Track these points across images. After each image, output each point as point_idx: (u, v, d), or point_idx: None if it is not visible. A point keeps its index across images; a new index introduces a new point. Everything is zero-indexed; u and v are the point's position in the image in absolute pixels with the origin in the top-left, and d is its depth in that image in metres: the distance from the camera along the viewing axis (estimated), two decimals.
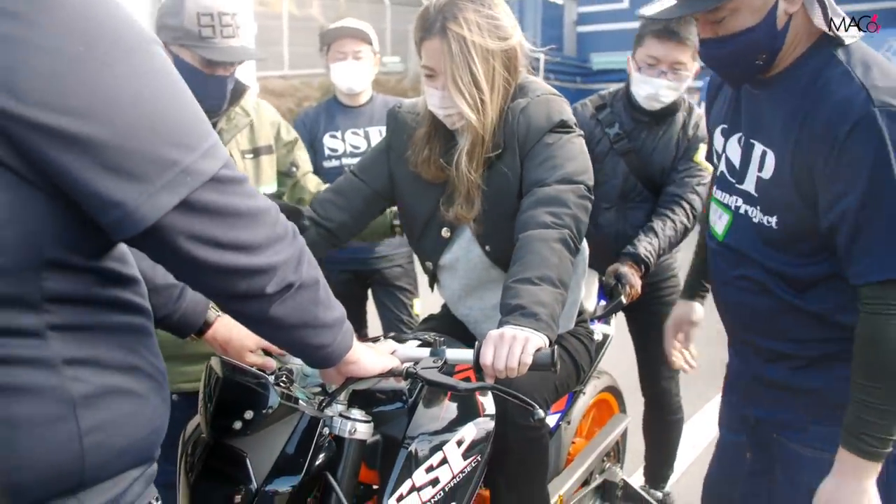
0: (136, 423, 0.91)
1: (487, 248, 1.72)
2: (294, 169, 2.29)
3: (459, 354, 1.37)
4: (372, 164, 1.83)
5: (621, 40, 17.47)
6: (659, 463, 2.88)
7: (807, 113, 1.36)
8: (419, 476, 1.41)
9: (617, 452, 2.54)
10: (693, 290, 1.97)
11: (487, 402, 1.57)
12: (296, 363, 1.48)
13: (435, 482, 1.43)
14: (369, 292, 3.24)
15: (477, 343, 1.34)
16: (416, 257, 3.10)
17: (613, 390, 2.50)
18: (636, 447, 3.24)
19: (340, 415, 1.33)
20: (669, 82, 2.38)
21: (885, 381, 1.33)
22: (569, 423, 2.20)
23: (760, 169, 1.47)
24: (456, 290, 1.83)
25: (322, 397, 1.40)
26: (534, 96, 1.66)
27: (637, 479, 2.86)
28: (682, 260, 2.67)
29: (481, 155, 1.65)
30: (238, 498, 1.22)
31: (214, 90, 1.90)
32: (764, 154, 1.46)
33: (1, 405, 0.79)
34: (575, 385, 1.97)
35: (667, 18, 1.62)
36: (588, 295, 2.26)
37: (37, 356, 0.81)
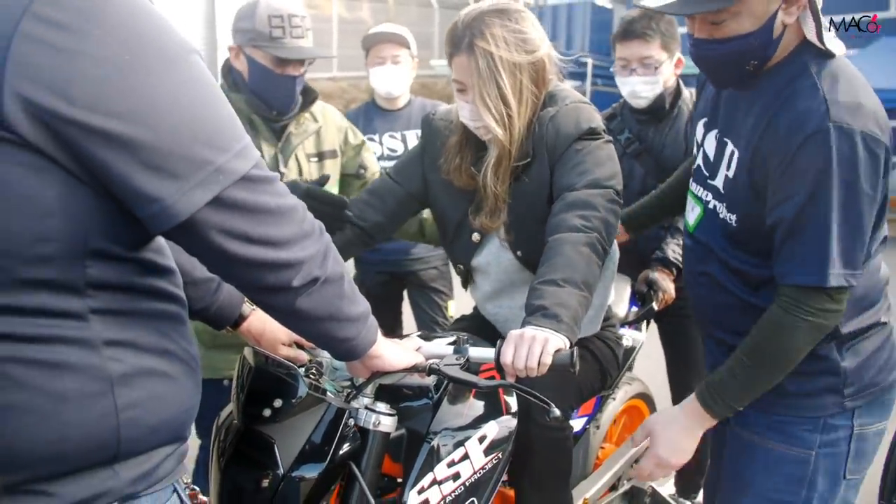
0: (168, 402, 0.97)
1: (519, 252, 1.75)
2: (363, 171, 2.38)
3: (481, 353, 1.40)
4: (407, 166, 1.88)
5: None
6: (690, 471, 2.87)
7: (771, 118, 1.41)
8: (441, 470, 1.45)
9: None
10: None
11: (511, 402, 1.60)
12: (325, 356, 1.53)
13: (456, 476, 1.46)
14: (405, 293, 3.28)
15: (498, 342, 1.38)
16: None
17: (645, 397, 2.49)
18: None
19: (366, 407, 1.37)
20: (642, 77, 2.44)
21: (762, 368, 1.47)
22: (597, 427, 2.20)
23: (728, 167, 1.54)
24: (487, 292, 1.87)
25: (349, 390, 1.45)
26: (563, 105, 1.69)
27: (668, 489, 2.84)
28: None
29: (507, 168, 1.68)
30: (265, 482, 1.28)
31: (284, 89, 2.02)
32: (732, 153, 1.52)
33: (49, 379, 0.86)
34: (601, 389, 1.99)
35: (669, 13, 1.63)
36: (619, 300, 2.27)
37: (80, 336, 0.88)
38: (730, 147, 1.54)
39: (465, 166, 1.75)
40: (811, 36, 1.40)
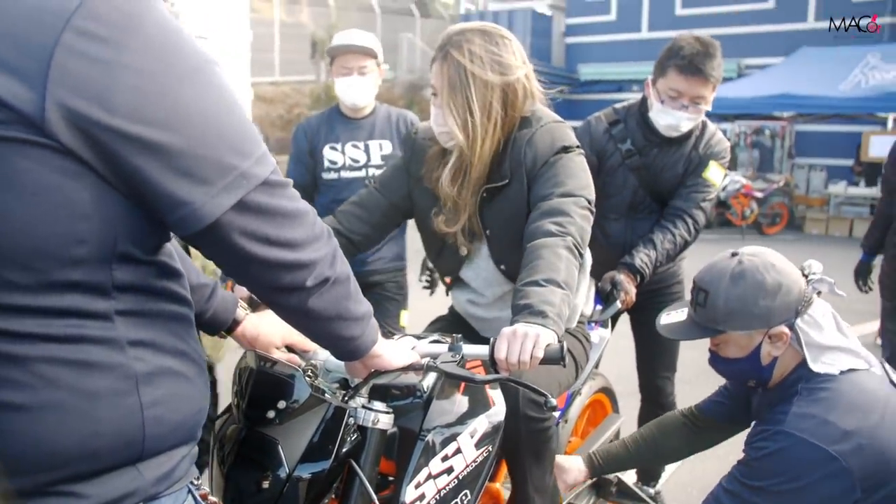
0: (186, 401, 1.00)
1: (503, 267, 1.83)
2: None
3: (475, 350, 1.46)
4: (391, 179, 1.94)
5: (608, 52, 17.85)
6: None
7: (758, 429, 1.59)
8: (435, 464, 1.50)
9: None
10: None
11: (497, 397, 1.67)
12: (319, 359, 1.56)
13: (450, 470, 1.52)
14: None
15: (492, 339, 1.44)
16: (408, 270, 3.22)
17: (608, 391, 2.60)
18: None
19: (364, 406, 1.42)
20: (689, 115, 2.47)
21: None
22: (566, 421, 2.29)
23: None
24: (473, 300, 1.94)
25: (343, 391, 1.49)
26: (538, 126, 1.77)
27: (630, 477, 2.96)
28: (688, 268, 2.78)
29: (468, 178, 1.76)
30: (270, 482, 1.31)
31: None
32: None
33: (80, 378, 0.88)
34: (574, 382, 2.08)
35: (675, 338, 1.75)
36: (586, 300, 2.37)
37: (107, 336, 0.91)
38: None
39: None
40: (811, 364, 1.53)
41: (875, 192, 11.32)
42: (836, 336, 1.56)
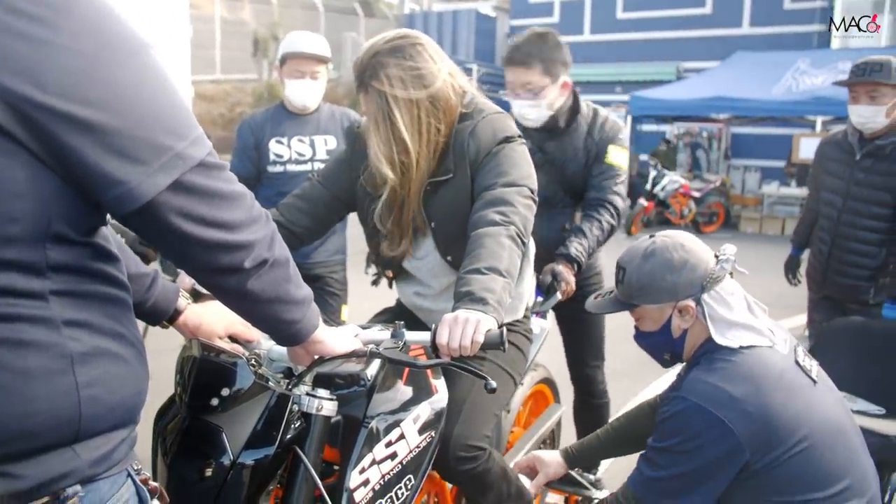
0: (123, 383, 1.00)
1: (449, 258, 1.85)
2: None
3: (417, 336, 1.49)
4: (333, 172, 1.95)
5: None
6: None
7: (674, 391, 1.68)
8: (379, 450, 1.53)
9: (552, 440, 2.69)
10: None
11: (440, 385, 1.70)
12: (262, 349, 1.57)
13: (393, 456, 1.55)
14: None
15: (434, 326, 1.47)
16: (349, 265, 3.24)
17: (549, 382, 2.66)
18: (570, 437, 3.43)
19: (308, 394, 1.43)
20: (526, 101, 2.60)
21: None
22: (508, 411, 2.34)
23: None
24: (418, 291, 1.96)
25: (288, 380, 1.50)
26: (480, 118, 1.79)
27: None
28: (605, 259, 2.87)
29: (401, 211, 1.80)
30: (214, 470, 1.31)
31: None
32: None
33: (14, 357, 0.88)
34: (525, 370, 2.12)
35: (598, 312, 1.92)
36: (530, 291, 2.42)
37: (41, 315, 0.91)
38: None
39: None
40: (714, 335, 1.65)
41: (805, 192, 11.76)
42: (744, 314, 1.66)
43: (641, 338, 1.80)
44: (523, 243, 1.68)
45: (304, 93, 3.04)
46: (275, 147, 3.09)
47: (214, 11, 14.97)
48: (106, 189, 0.89)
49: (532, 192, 1.76)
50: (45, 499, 0.92)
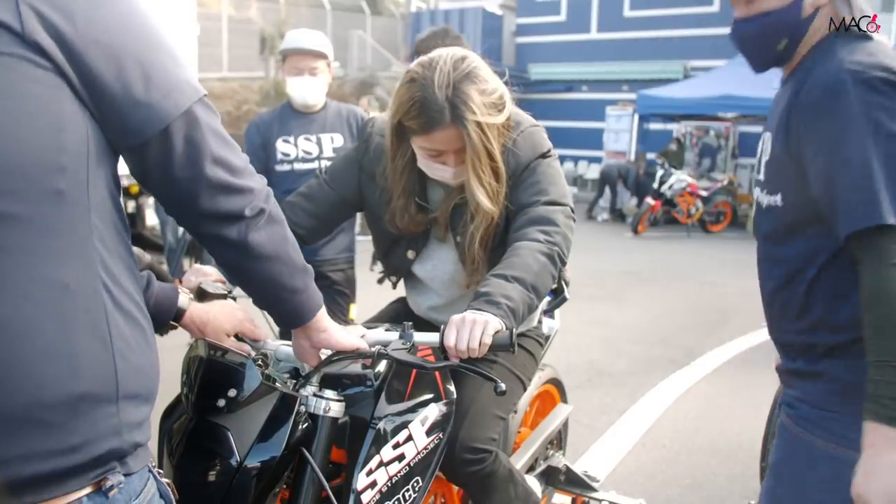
0: (144, 350, 1.00)
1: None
2: None
3: (425, 337, 1.47)
4: (342, 172, 1.90)
5: (559, 51, 18.06)
6: None
7: (798, 91, 1.43)
8: (387, 452, 1.52)
9: (559, 440, 2.68)
10: None
11: (448, 386, 1.69)
12: (269, 348, 1.56)
13: (401, 458, 1.54)
14: None
15: (442, 326, 1.46)
16: (357, 263, 3.23)
17: (556, 382, 2.64)
18: (576, 438, 3.42)
19: (315, 394, 1.42)
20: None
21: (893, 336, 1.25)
22: (515, 412, 2.33)
23: (767, 152, 1.53)
24: (429, 303, 1.93)
25: (294, 380, 1.49)
26: (518, 132, 1.75)
27: (580, 466, 3.02)
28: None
29: (492, 234, 1.75)
30: (221, 471, 1.30)
31: None
32: (769, 137, 1.52)
33: (58, 297, 0.88)
34: (534, 374, 2.11)
35: None
36: None
37: (84, 255, 0.92)
38: (767, 135, 1.54)
39: (412, 209, 1.79)
40: (847, 18, 1.43)
41: None
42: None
43: (753, 23, 1.49)
44: (563, 263, 1.65)
45: (304, 89, 3.05)
46: (282, 146, 3.11)
47: (222, 10, 14.98)
48: (133, 112, 0.93)
49: (572, 212, 1.74)
50: (88, 489, 0.91)
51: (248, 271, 1.16)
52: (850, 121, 1.31)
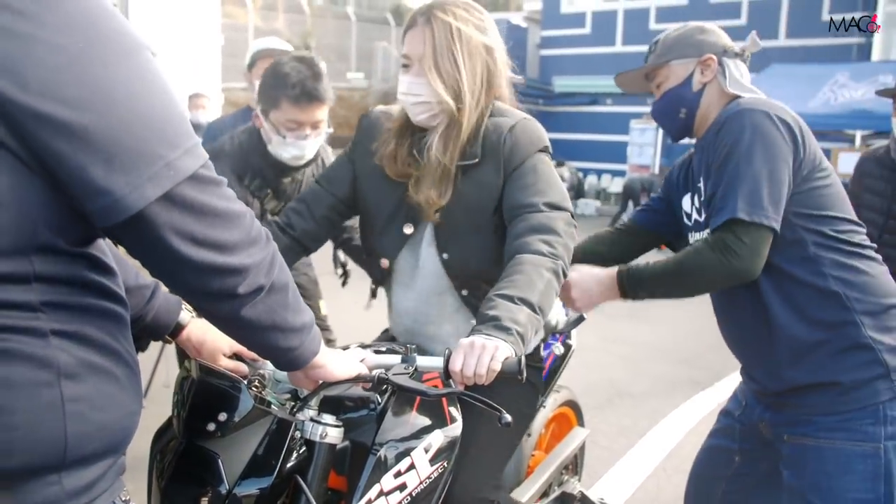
0: (112, 403, 0.94)
1: (445, 255, 1.74)
2: None
3: (430, 362, 1.40)
4: (335, 172, 1.87)
5: (583, 64, 18.01)
6: None
7: (710, 143, 1.76)
8: (387, 481, 1.44)
9: (575, 465, 2.59)
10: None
11: (454, 412, 1.61)
12: (268, 369, 1.49)
13: (402, 487, 1.46)
14: None
15: (447, 350, 1.38)
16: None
17: (573, 404, 2.55)
18: (593, 461, 3.32)
19: (311, 419, 1.35)
20: (314, 141, 2.38)
21: (676, 282, 1.74)
22: (529, 435, 2.24)
23: (697, 202, 1.87)
24: (406, 306, 1.84)
25: (293, 402, 1.42)
26: (520, 117, 1.71)
27: (596, 492, 2.92)
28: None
29: (457, 143, 1.67)
30: (209, 499, 1.24)
31: None
32: (698, 188, 1.85)
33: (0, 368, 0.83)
34: (536, 406, 2.02)
35: (628, 90, 2.09)
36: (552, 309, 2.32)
37: (27, 326, 0.85)
38: (700, 184, 1.84)
39: (402, 153, 1.74)
40: (728, 88, 1.83)
41: None
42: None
43: (661, 101, 1.92)
44: (565, 277, 1.58)
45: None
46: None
47: (248, 21, 15.13)
48: (91, 198, 0.83)
49: (573, 217, 1.68)
50: None
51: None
52: (740, 139, 1.66)
